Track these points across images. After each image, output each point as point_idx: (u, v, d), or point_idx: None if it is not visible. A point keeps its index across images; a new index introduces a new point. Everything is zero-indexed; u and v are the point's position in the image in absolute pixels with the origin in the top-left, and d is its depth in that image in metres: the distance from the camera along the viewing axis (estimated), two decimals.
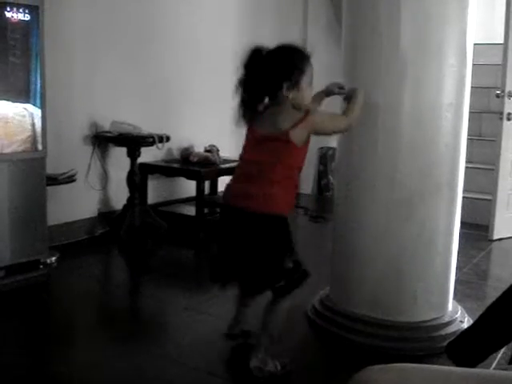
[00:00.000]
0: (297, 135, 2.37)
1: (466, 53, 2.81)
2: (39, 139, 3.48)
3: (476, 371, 1.32)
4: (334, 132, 2.72)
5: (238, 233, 2.46)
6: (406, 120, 2.76)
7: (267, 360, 2.51)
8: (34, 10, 3.36)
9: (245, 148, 2.54)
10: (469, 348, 2.34)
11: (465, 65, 2.82)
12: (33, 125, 3.44)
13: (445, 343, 2.81)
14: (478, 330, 2.37)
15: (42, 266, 3.59)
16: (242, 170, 2.54)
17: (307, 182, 6.78)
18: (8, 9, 3.24)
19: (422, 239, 2.83)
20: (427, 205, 2.81)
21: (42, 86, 3.45)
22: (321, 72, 6.68)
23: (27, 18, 3.33)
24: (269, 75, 2.41)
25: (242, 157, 2.56)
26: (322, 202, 6.53)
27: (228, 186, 2.54)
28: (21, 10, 3.30)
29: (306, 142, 2.43)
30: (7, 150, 3.33)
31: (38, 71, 3.42)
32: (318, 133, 2.50)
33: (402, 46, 2.71)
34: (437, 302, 2.95)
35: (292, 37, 6.49)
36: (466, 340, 2.39)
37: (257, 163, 2.44)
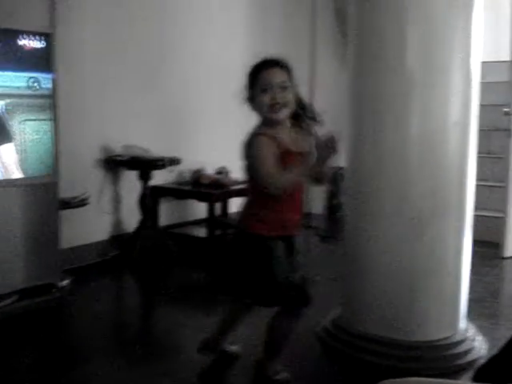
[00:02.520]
0: None
1: (472, 71, 2.83)
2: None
3: None
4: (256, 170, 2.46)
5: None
6: (414, 139, 2.78)
7: (276, 369, 2.60)
8: (46, 37, 3.42)
9: None
10: (499, 374, 2.29)
11: (471, 83, 2.84)
12: None
13: (456, 362, 2.81)
14: (508, 355, 2.32)
15: (54, 290, 3.61)
16: None
17: (318, 202, 6.79)
18: (20, 37, 3.30)
19: (433, 258, 2.83)
20: (437, 224, 2.82)
21: (55, 111, 3.51)
22: (328, 93, 6.68)
23: (41, 45, 3.40)
24: None
25: None
26: (333, 222, 6.53)
27: None
28: (33, 38, 3.36)
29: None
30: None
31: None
32: None
33: (408, 67, 2.74)
34: (448, 320, 2.94)
35: (300, 55, 6.55)
36: (495, 366, 2.34)
37: None
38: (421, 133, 2.78)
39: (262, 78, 2.42)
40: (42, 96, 3.45)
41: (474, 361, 2.84)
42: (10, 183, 3.38)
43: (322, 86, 6.52)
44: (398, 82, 2.77)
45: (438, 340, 2.87)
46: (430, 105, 2.77)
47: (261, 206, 2.47)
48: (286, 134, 2.44)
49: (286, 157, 2.38)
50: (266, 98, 2.40)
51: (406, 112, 2.78)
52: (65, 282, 3.82)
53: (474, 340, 2.99)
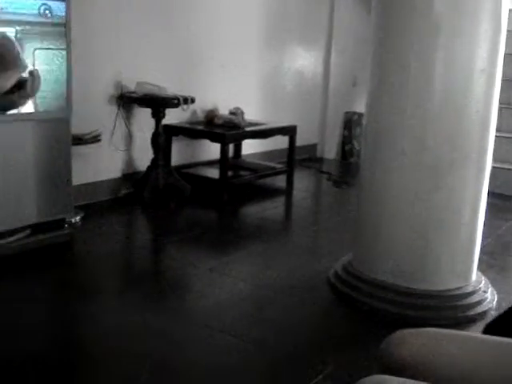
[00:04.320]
0: None
1: (500, 18, 2.73)
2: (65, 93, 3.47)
3: (509, 340, 1.32)
4: None
5: None
6: (437, 85, 2.70)
7: None
8: None
9: None
10: (509, 329, 2.29)
11: (499, 31, 2.74)
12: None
13: (467, 312, 2.82)
14: None
15: (66, 225, 3.62)
16: None
17: (331, 147, 6.75)
18: None
19: (449, 208, 2.80)
20: (455, 173, 2.77)
21: (68, 42, 3.42)
22: (352, 39, 6.54)
23: None
24: None
25: None
26: (346, 168, 6.51)
27: None
28: None
29: None
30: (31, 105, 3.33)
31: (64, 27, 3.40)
32: None
33: (436, 9, 2.64)
34: (461, 271, 2.93)
35: (321, 2, 6.40)
36: (505, 321, 2.34)
37: None
38: (445, 80, 2.70)
39: None
40: (53, 24, 3.33)
41: (484, 312, 2.84)
42: (22, 117, 3.34)
43: (342, 27, 6.39)
44: (425, 27, 2.68)
45: (450, 290, 2.86)
46: (456, 52, 2.68)
47: None
48: None
49: None
50: None
51: (431, 58, 2.70)
52: (77, 218, 3.83)
53: (485, 291, 2.98)
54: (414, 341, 1.31)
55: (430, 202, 2.78)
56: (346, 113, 6.74)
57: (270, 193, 5.34)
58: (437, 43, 2.68)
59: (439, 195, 2.77)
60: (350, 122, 6.71)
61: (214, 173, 4.88)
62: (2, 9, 3.10)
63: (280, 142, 5.51)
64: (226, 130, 4.83)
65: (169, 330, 2.62)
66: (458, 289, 2.89)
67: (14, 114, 3.28)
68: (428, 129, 2.74)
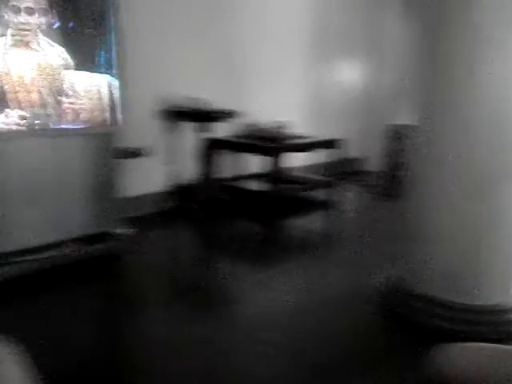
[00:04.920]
0: None
1: None
2: (117, 108, 3.53)
3: None
4: None
5: None
6: (482, 100, 2.65)
7: None
8: None
9: None
10: None
11: None
12: (111, 95, 3.50)
13: None
14: None
15: (114, 238, 3.66)
16: None
17: (378, 160, 6.69)
18: None
19: (497, 223, 2.74)
20: (504, 188, 2.71)
21: (121, 58, 3.48)
22: (397, 51, 6.44)
23: None
24: None
25: None
26: (393, 181, 6.43)
27: None
28: None
29: None
30: (83, 120, 3.39)
31: (114, 43, 3.45)
32: None
33: (487, 22, 2.59)
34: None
35: (365, 14, 6.38)
36: None
37: None
38: (494, 92, 2.64)
39: None
40: None
41: None
42: (72, 132, 3.40)
43: (387, 39, 6.35)
44: (465, 40, 2.63)
45: (501, 305, 2.79)
46: (505, 61, 2.62)
47: None
48: None
49: None
50: None
51: (480, 70, 2.64)
52: (122, 231, 3.87)
53: None
54: (463, 355, 1.28)
55: (478, 216, 2.72)
56: (393, 125, 6.67)
57: (315, 206, 5.32)
58: (478, 56, 2.63)
59: (487, 210, 2.71)
60: (397, 135, 6.63)
61: (258, 186, 4.89)
62: None
63: (325, 155, 5.49)
64: (270, 143, 4.83)
65: (214, 341, 2.62)
66: (509, 304, 2.81)
67: (63, 129, 3.35)
68: (477, 144, 2.69)
